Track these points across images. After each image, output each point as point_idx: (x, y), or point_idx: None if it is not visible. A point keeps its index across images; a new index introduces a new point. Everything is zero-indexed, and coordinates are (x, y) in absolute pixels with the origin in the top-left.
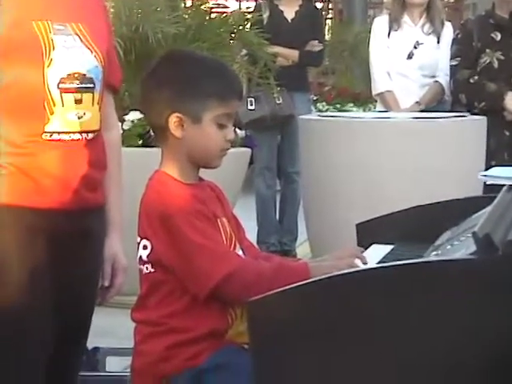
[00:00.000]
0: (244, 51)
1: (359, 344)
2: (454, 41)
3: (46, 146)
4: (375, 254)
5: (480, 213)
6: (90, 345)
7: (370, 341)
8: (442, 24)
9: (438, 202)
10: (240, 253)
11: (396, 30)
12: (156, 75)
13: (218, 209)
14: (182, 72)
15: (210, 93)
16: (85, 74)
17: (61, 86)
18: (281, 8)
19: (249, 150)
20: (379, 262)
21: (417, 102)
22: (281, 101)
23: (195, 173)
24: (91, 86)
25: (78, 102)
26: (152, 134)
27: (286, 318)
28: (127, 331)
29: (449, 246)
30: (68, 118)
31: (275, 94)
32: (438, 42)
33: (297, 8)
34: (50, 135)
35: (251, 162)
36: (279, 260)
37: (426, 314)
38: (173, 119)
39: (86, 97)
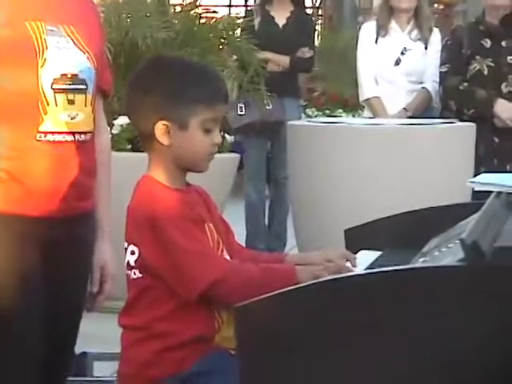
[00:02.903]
0: (234, 57)
1: (346, 350)
2: (444, 47)
3: (39, 149)
4: (363, 260)
5: (468, 219)
6: (77, 349)
7: (357, 347)
8: (430, 30)
9: (426, 209)
10: (227, 258)
11: (383, 37)
12: (141, 82)
13: (205, 213)
14: (166, 79)
15: (195, 98)
16: (77, 75)
17: (54, 86)
18: (272, 14)
19: (237, 155)
20: (367, 268)
21: (404, 109)
22: (271, 106)
23: (182, 178)
24: (84, 87)
25: (71, 102)
26: None
27: (273, 324)
28: (115, 336)
29: (436, 253)
30: (61, 118)
31: (265, 100)
32: (426, 49)
33: (288, 14)
34: (44, 135)
35: (240, 168)
36: (267, 261)
37: (413, 320)
38: (159, 126)
39: (79, 98)
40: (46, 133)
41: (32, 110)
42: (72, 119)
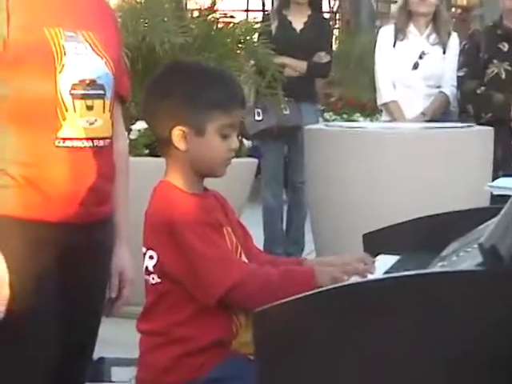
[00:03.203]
0: (252, 62)
1: (365, 355)
2: (462, 52)
3: (58, 155)
4: (382, 264)
5: (486, 224)
6: (95, 355)
7: (376, 352)
8: (449, 34)
9: (445, 213)
10: (246, 261)
11: (401, 40)
12: (158, 87)
13: (223, 218)
14: (183, 84)
15: (212, 104)
16: (95, 81)
17: (72, 91)
18: (289, 18)
19: (255, 160)
20: (385, 273)
21: (422, 113)
22: (288, 111)
23: (200, 183)
24: (102, 92)
25: (90, 108)
26: None
27: (292, 329)
28: (133, 341)
29: (455, 257)
30: (79, 124)
31: (282, 105)
32: (444, 53)
33: (305, 19)
34: (63, 141)
35: (258, 173)
36: (286, 265)
37: (431, 325)
38: (176, 132)
39: (97, 103)
40: (64, 139)
41: (51, 116)
42: (90, 125)
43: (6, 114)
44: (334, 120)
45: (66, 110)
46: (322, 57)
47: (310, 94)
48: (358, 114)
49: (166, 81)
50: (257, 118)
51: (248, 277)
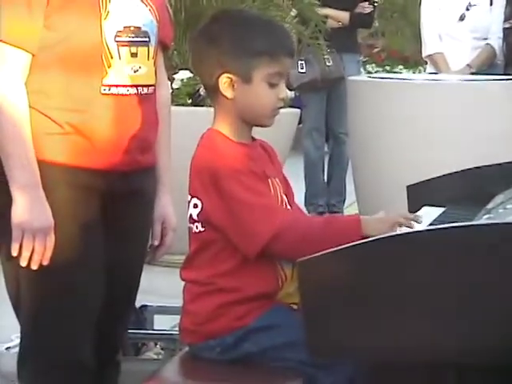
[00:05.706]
0: (294, 11)
1: (408, 305)
2: (508, 3)
3: (103, 102)
4: (426, 217)
5: None
6: (138, 303)
7: (420, 303)
8: None
9: (491, 165)
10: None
11: None
12: (206, 35)
13: (270, 169)
14: (231, 31)
15: (259, 51)
16: (140, 28)
17: (117, 38)
18: None
19: (298, 110)
20: (430, 225)
21: (468, 65)
22: (331, 63)
23: (248, 132)
24: (146, 40)
25: (134, 55)
26: (201, 93)
27: (336, 279)
28: (175, 290)
29: (501, 210)
30: (124, 71)
31: (325, 56)
32: (491, 4)
33: None
34: (109, 88)
35: (299, 122)
36: (329, 215)
37: (476, 277)
38: (223, 79)
39: (142, 51)
40: (109, 86)
41: (96, 63)
42: (135, 72)
43: (52, 61)
44: (376, 72)
45: (111, 57)
46: (365, 7)
47: (352, 44)
48: (401, 67)
49: (214, 28)
50: (300, 70)
51: (292, 223)
